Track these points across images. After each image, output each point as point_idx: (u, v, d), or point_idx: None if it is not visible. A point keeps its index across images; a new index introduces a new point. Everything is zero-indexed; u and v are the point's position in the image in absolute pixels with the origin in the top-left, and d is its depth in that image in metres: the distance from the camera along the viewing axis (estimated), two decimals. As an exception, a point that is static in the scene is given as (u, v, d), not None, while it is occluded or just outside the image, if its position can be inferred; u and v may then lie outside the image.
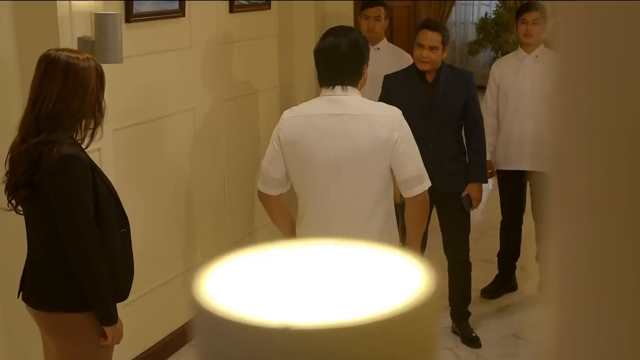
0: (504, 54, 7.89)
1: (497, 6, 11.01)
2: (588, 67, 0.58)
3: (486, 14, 11.44)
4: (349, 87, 3.01)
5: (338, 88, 3.00)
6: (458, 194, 4.25)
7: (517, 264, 5.01)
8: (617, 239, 0.58)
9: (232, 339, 0.71)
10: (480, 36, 10.96)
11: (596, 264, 0.60)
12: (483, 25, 10.93)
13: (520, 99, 4.50)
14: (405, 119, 4.10)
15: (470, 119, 4.22)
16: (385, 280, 0.77)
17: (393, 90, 4.18)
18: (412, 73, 4.25)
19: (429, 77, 4.20)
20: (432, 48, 4.10)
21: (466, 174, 4.27)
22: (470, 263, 4.45)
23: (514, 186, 4.68)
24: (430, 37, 4.11)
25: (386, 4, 5.11)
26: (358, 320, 0.68)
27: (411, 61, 5.22)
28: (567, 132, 0.59)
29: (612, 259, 0.59)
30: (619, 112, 0.57)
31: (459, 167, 4.26)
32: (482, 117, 4.28)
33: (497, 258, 5.00)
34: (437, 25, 4.28)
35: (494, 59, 6.46)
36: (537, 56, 4.63)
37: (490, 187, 5.98)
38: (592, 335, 0.61)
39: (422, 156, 3.90)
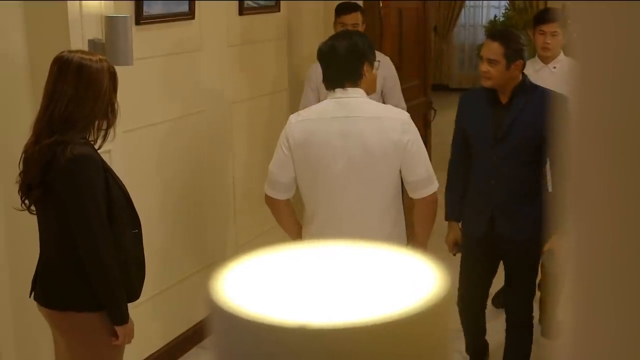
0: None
1: (506, 8, 11.00)
2: (604, 69, 0.59)
3: (495, 16, 11.44)
4: (349, 88, 2.99)
5: (339, 90, 3.00)
6: (526, 243, 3.57)
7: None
8: (633, 239, 0.59)
9: (249, 338, 0.71)
10: (490, 39, 10.96)
11: (612, 264, 0.61)
12: (492, 27, 10.93)
13: None
14: (472, 145, 3.58)
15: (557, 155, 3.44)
16: (400, 280, 0.78)
17: (465, 111, 3.64)
18: (487, 92, 3.53)
19: (503, 99, 3.49)
20: (491, 61, 3.41)
21: (541, 221, 3.42)
22: (532, 325, 3.78)
23: None
24: (489, 48, 3.44)
25: (362, 9, 4.74)
26: (373, 320, 0.69)
27: (392, 68, 4.67)
28: (584, 134, 0.59)
29: (628, 259, 0.59)
30: (634, 114, 0.57)
31: (532, 211, 3.50)
32: None
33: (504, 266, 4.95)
34: (501, 34, 3.59)
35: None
36: (554, 67, 4.38)
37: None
38: (609, 335, 0.62)
39: (482, 190, 3.54)
